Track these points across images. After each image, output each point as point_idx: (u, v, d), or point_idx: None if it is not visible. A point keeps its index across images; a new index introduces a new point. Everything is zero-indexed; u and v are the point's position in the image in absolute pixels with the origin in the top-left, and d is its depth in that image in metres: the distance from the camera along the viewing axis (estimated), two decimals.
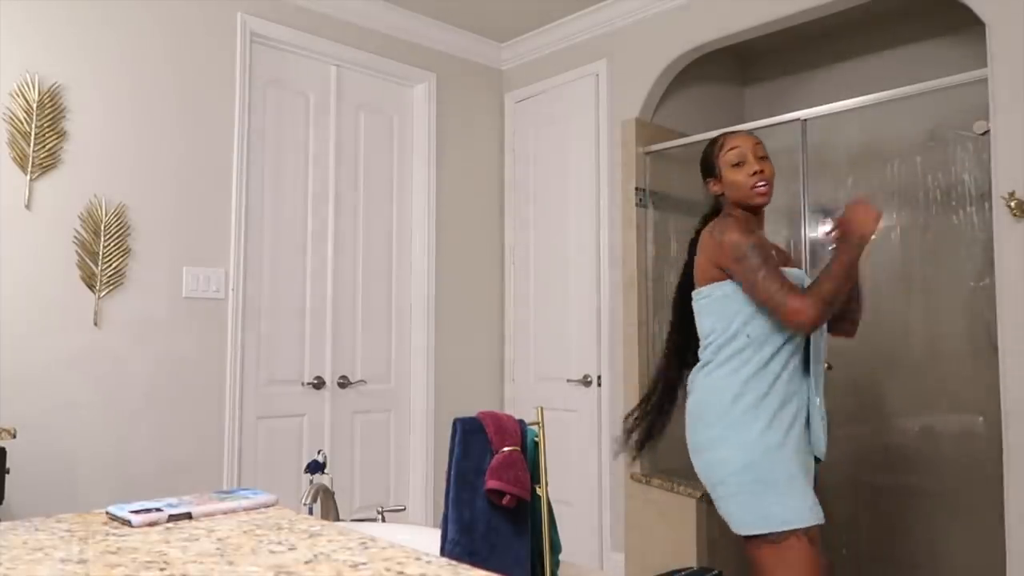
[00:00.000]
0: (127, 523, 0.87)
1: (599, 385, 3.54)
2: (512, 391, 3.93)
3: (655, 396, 2.12)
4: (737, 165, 1.97)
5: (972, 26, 2.59)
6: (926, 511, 3.05)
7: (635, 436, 2.12)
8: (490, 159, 4.01)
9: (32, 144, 2.56)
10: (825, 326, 1.94)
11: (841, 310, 1.93)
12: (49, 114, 2.60)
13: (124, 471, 2.70)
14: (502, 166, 4.05)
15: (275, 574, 0.69)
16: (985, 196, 2.61)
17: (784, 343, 1.85)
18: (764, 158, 1.97)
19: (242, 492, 1.03)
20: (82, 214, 2.66)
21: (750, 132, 2.08)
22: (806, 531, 1.76)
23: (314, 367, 3.30)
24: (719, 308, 1.91)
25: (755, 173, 1.93)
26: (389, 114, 3.66)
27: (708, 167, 2.04)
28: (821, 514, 1.79)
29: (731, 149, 1.98)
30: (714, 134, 3.28)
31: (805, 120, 2.87)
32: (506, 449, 1.89)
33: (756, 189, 1.94)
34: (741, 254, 1.84)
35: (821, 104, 2.86)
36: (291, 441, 3.21)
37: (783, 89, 3.97)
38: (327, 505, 2.30)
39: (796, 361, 1.86)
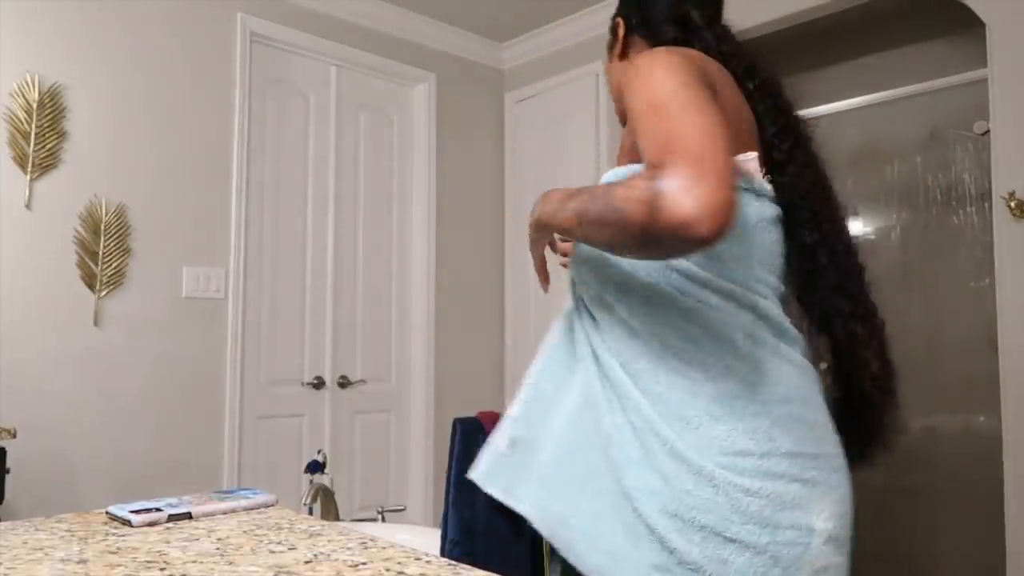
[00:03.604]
0: (127, 523, 0.87)
1: None
2: (512, 391, 3.92)
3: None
4: None
5: (972, 26, 2.59)
6: (926, 511, 3.04)
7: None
8: (490, 159, 4.01)
9: (32, 144, 2.56)
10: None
11: None
12: (49, 114, 2.60)
13: (124, 471, 2.70)
14: (502, 166, 4.05)
15: (275, 574, 0.69)
16: (985, 196, 2.61)
17: None
18: None
19: (242, 492, 1.03)
20: (82, 214, 2.66)
21: None
22: None
23: (314, 367, 3.30)
24: None
25: None
26: (389, 114, 3.66)
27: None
28: None
29: None
30: None
31: (805, 120, 2.87)
32: None
33: None
34: None
35: (821, 104, 2.85)
36: (291, 441, 3.21)
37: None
38: (327, 505, 2.30)
39: None
